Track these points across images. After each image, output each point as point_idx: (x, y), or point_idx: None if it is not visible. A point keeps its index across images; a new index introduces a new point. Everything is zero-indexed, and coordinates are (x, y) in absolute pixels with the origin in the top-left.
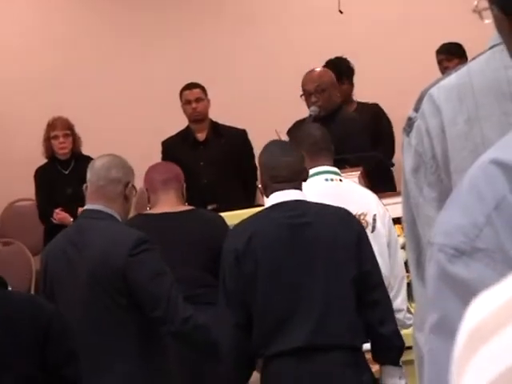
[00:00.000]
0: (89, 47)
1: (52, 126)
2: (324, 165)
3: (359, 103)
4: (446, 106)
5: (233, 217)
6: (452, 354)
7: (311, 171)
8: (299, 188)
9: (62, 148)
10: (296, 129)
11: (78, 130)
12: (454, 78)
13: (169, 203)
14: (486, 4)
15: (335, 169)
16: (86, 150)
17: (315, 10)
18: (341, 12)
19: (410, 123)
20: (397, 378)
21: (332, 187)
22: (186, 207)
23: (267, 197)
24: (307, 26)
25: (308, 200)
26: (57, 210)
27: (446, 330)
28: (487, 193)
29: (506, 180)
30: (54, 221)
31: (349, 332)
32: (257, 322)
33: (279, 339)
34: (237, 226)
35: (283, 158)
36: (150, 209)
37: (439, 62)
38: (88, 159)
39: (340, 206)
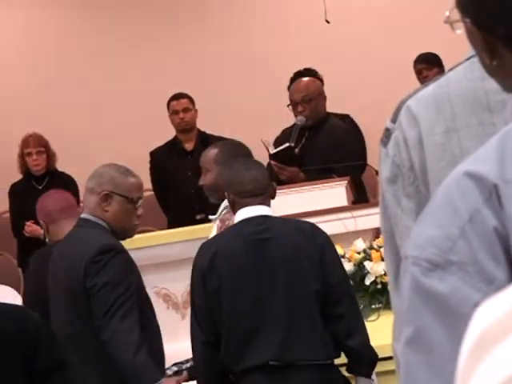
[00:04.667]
0: (75, 60)
1: (25, 142)
2: None
3: (328, 113)
4: (423, 116)
5: None
6: (425, 366)
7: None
8: (266, 203)
9: (36, 165)
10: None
11: (66, 141)
12: (431, 88)
13: None
14: (457, 15)
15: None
16: (72, 162)
17: (303, 20)
18: (327, 22)
19: (387, 134)
20: None
21: None
22: None
23: (234, 213)
24: (294, 35)
25: (274, 216)
26: (28, 223)
27: (421, 343)
28: (461, 205)
29: (480, 192)
30: (26, 234)
31: (316, 347)
32: (224, 338)
33: (246, 356)
34: (204, 243)
35: (247, 172)
36: (49, 241)
37: (418, 72)
38: (62, 175)
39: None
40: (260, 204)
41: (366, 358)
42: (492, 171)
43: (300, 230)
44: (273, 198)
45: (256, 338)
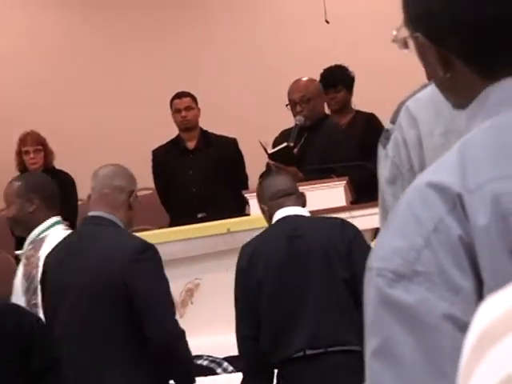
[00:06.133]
0: (74, 58)
1: (23, 141)
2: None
3: (357, 112)
4: (423, 117)
5: (222, 226)
6: (394, 378)
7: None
8: (299, 204)
9: (33, 163)
10: None
11: (65, 139)
12: (430, 90)
13: None
14: (405, 33)
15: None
16: (72, 162)
17: (302, 20)
18: (327, 22)
19: (386, 135)
20: None
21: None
22: None
23: (271, 219)
24: (295, 35)
25: (308, 215)
26: None
27: (388, 354)
28: (425, 215)
29: (443, 202)
30: None
31: (348, 333)
32: (262, 330)
33: (283, 346)
34: (244, 245)
35: (275, 176)
36: None
37: None
38: (60, 173)
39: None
40: (294, 205)
41: None
42: (454, 181)
43: (330, 225)
44: (304, 205)
45: (291, 329)
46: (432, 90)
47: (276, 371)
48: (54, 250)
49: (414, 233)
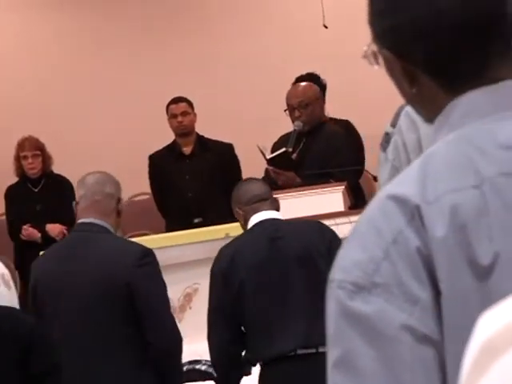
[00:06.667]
0: (73, 63)
1: (21, 146)
2: None
3: (331, 119)
4: (422, 121)
5: (220, 230)
6: None
7: None
8: (275, 207)
9: (31, 168)
10: None
11: (61, 146)
12: None
13: None
14: (375, 49)
15: None
16: (70, 166)
17: (302, 25)
18: (325, 27)
19: (386, 138)
20: None
21: None
22: None
23: (246, 224)
24: (294, 40)
25: (283, 219)
26: (25, 227)
27: (349, 365)
28: (384, 228)
29: (402, 214)
30: (23, 237)
31: None
32: (249, 331)
33: (272, 346)
34: (222, 248)
35: (250, 182)
36: None
37: None
38: (58, 177)
39: None
40: (269, 209)
41: None
42: (414, 193)
43: (309, 227)
44: (278, 210)
45: (280, 329)
46: None
47: (262, 371)
48: (44, 255)
49: (374, 245)
